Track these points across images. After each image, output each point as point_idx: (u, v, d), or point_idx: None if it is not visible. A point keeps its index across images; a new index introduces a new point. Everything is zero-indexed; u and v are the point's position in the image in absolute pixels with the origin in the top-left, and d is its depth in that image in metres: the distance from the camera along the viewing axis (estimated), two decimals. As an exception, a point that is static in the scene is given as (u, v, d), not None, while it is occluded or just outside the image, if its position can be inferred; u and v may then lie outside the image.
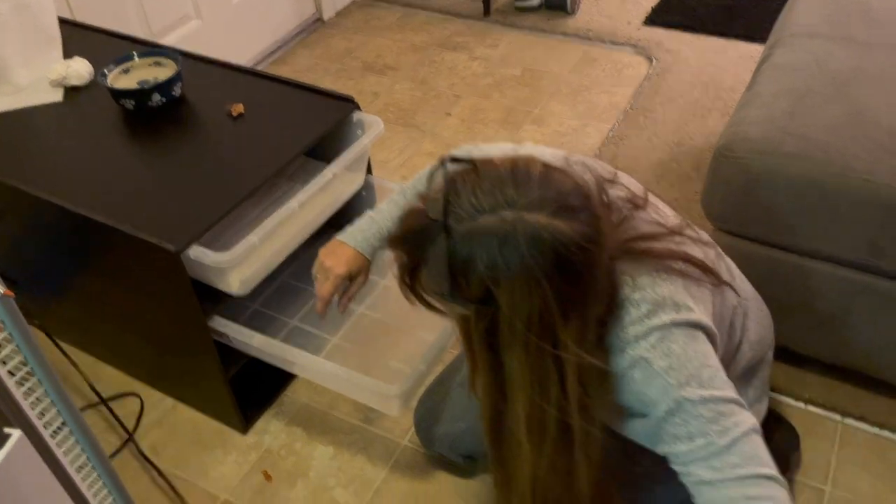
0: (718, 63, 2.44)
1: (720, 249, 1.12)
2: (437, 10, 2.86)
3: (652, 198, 1.02)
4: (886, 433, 1.42)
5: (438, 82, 2.50)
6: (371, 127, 1.47)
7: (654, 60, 2.48)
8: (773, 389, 1.48)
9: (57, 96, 1.56)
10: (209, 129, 1.46)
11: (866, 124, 1.30)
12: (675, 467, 0.88)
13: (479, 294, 0.76)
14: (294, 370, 1.35)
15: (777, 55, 1.54)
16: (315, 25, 2.84)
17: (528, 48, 2.63)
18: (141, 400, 1.59)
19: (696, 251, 0.98)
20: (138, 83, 1.51)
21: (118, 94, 1.49)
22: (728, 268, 1.12)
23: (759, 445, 0.86)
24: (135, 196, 1.32)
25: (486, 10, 2.79)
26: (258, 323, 1.51)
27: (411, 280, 0.83)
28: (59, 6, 1.89)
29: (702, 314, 0.89)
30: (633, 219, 0.94)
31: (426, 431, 1.35)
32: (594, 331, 0.82)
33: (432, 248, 0.77)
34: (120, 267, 1.37)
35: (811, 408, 1.47)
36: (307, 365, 1.29)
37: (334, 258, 1.17)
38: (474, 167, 0.79)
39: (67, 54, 1.65)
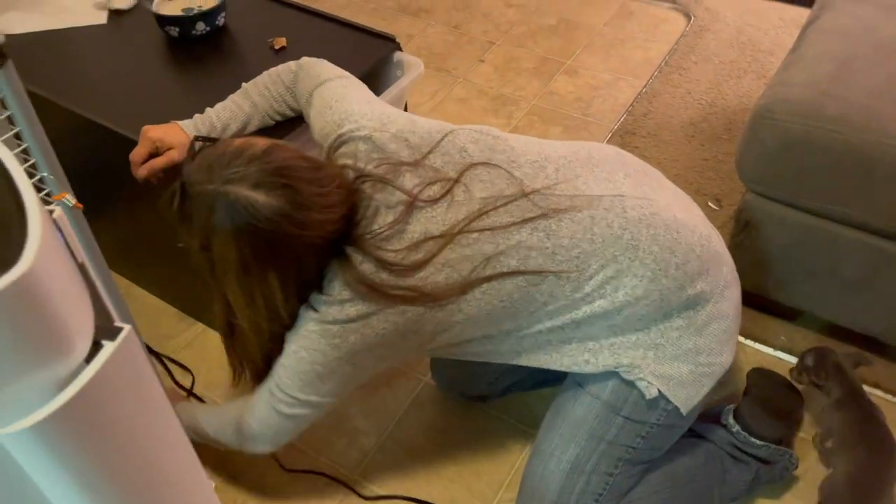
0: (758, 24, 2.41)
1: (606, 202, 1.07)
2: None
3: (481, 172, 1.05)
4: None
5: (472, 27, 2.48)
6: (411, 68, 1.48)
7: (692, 18, 2.45)
8: (790, 352, 1.51)
9: (101, 18, 1.57)
10: (251, 61, 1.47)
11: (909, 93, 1.30)
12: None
13: (200, 241, 0.99)
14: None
15: (824, 18, 1.53)
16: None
17: (564, -2, 2.60)
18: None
19: (466, 252, 1.02)
20: (183, 10, 1.51)
21: (163, 21, 1.50)
22: (574, 232, 1.05)
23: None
24: (170, 118, 1.34)
25: (525, -43, 2.74)
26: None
27: (168, 208, 1.01)
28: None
29: (362, 325, 1.03)
30: (378, 218, 1.03)
31: (441, 375, 1.45)
32: (296, 286, 1.03)
33: (175, 203, 1.00)
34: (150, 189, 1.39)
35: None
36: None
37: (155, 127, 1.26)
38: (213, 145, 1.00)
39: (110, -23, 1.65)
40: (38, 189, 0.70)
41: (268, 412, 1.15)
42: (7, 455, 0.38)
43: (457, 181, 1.04)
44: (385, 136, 1.07)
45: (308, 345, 1.05)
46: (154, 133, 1.23)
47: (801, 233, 1.40)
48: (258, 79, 1.28)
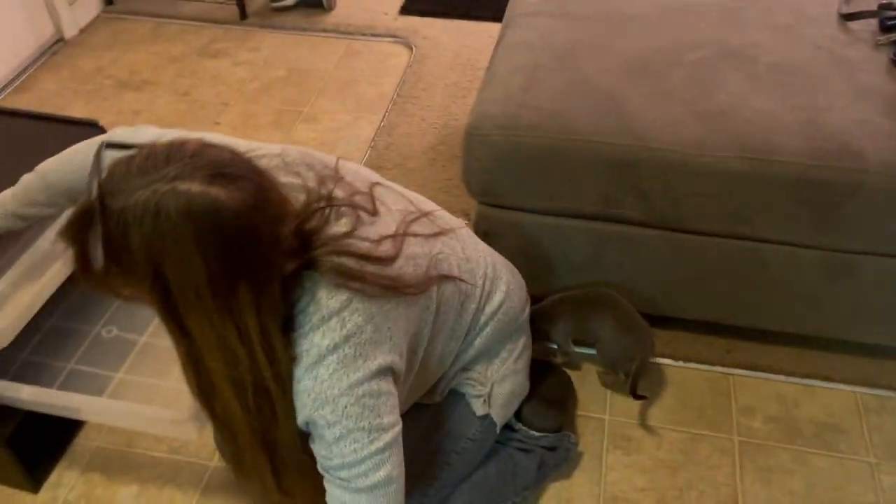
0: (472, 45, 2.58)
1: (464, 235, 1.19)
2: (191, 18, 2.77)
3: (380, 192, 1.06)
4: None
5: (203, 92, 2.43)
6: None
7: (413, 48, 2.58)
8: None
9: None
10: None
11: (587, 91, 1.45)
12: None
13: (146, 270, 0.76)
14: (78, 416, 1.27)
15: (509, 35, 1.67)
16: (57, 46, 2.64)
17: (290, 48, 2.62)
18: None
19: (417, 249, 1.03)
20: None
21: None
22: (465, 250, 1.16)
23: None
24: None
25: (243, 14, 2.74)
26: (30, 373, 1.40)
27: (86, 269, 0.80)
28: None
29: (374, 331, 0.92)
30: (334, 222, 0.94)
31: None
32: (271, 304, 0.84)
33: (94, 231, 0.76)
34: None
35: (585, 349, 1.62)
36: (89, 408, 1.23)
37: None
38: (133, 150, 0.80)
39: None
40: None
41: (367, 500, 0.93)
42: None
43: (370, 195, 1.04)
44: (293, 155, 1.01)
45: (328, 375, 0.88)
46: None
47: (530, 232, 1.52)
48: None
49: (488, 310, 1.19)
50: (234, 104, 2.38)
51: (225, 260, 0.77)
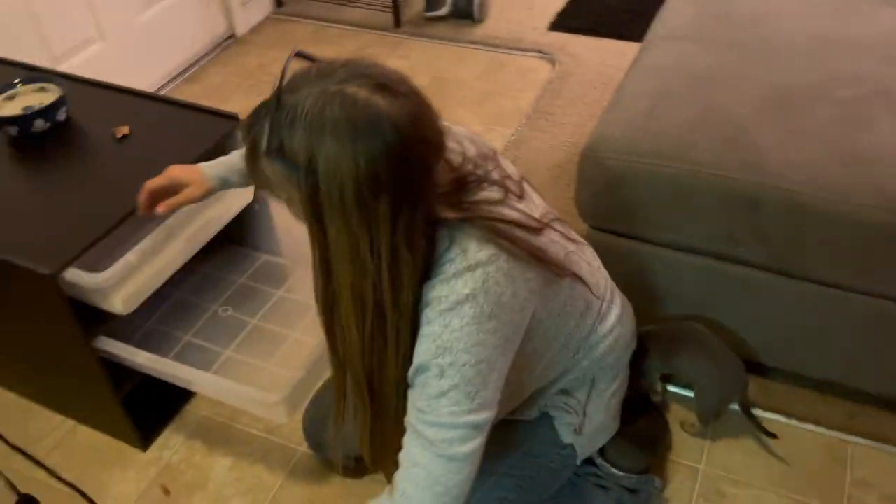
0: (618, 65, 2.52)
1: (589, 252, 1.18)
2: (350, 24, 2.91)
3: (526, 187, 1.06)
4: (757, 412, 1.49)
5: (348, 94, 2.53)
6: None
7: (556, 64, 2.56)
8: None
9: (-59, 125, 1.56)
10: (93, 152, 1.48)
11: (717, 121, 1.38)
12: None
13: (303, 159, 0.80)
14: (183, 384, 1.37)
15: (644, 57, 1.62)
16: (228, 42, 2.86)
17: (437, 57, 2.69)
18: (41, 423, 1.59)
19: (553, 246, 1.02)
20: (23, 109, 1.52)
21: (1, 122, 1.50)
22: (591, 262, 1.16)
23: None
24: (14, 222, 1.34)
25: (397, 22, 2.84)
26: (152, 340, 1.53)
27: (253, 162, 0.86)
28: (-53, 34, 1.89)
29: (512, 296, 0.92)
30: (490, 187, 0.97)
31: (314, 436, 1.39)
32: (408, 229, 0.85)
33: (266, 123, 0.82)
34: (4, 293, 1.38)
35: (686, 391, 1.54)
36: (192, 379, 1.32)
37: (177, 166, 1.24)
38: (314, 62, 0.86)
39: (-47, 83, 1.65)
40: None
41: (440, 469, 0.93)
42: None
43: (520, 182, 1.04)
44: (459, 129, 1.05)
45: (460, 326, 0.88)
46: (174, 171, 1.22)
47: (640, 262, 1.46)
48: None
49: (601, 330, 1.16)
50: (376, 107, 2.46)
51: (374, 165, 0.80)
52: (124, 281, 1.29)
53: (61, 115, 1.54)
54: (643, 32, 1.75)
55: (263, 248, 1.73)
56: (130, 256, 1.27)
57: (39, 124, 1.50)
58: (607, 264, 1.42)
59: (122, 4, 2.39)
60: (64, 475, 1.50)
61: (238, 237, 1.71)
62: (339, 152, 0.79)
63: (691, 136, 1.36)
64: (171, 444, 1.55)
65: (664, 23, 1.72)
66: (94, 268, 1.26)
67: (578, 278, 1.07)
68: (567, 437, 1.21)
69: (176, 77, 2.67)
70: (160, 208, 1.22)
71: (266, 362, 1.49)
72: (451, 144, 0.97)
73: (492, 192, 0.97)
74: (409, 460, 0.96)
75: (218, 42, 2.84)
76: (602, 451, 1.33)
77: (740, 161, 1.30)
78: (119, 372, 1.41)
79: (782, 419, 1.48)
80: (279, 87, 0.82)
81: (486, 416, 0.93)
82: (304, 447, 1.51)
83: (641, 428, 1.39)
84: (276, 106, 0.82)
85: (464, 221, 0.91)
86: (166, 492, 1.46)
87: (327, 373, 1.39)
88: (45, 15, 2.15)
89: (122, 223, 1.32)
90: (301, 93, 0.81)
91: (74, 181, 1.42)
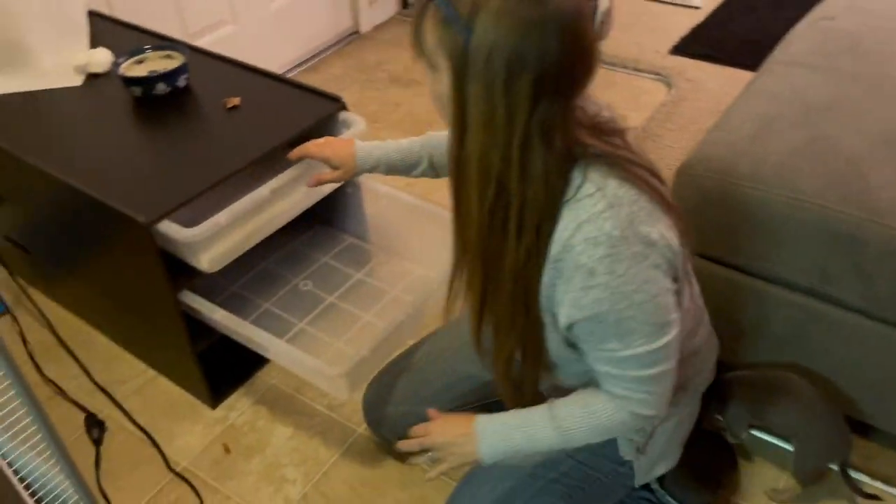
0: (736, 94, 2.42)
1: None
2: (470, 29, 2.94)
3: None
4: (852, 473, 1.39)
5: (458, 97, 2.56)
6: (354, 124, 1.54)
7: (672, 88, 2.49)
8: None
9: (77, 81, 1.70)
10: (205, 119, 1.57)
11: (826, 151, 1.30)
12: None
13: (465, 12, 0.81)
14: (254, 347, 1.42)
15: (758, 81, 1.55)
16: (351, 38, 2.96)
17: (551, 70, 2.67)
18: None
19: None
20: (148, 72, 1.63)
21: (127, 82, 1.61)
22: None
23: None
24: (122, 173, 1.43)
25: (516, 32, 2.85)
26: (233, 303, 1.59)
27: (420, 17, 0.87)
28: (97, 1, 2.05)
29: (660, 237, 0.90)
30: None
31: (372, 413, 1.41)
32: (545, 117, 0.83)
33: None
34: (104, 237, 1.48)
35: (759, 433, 1.45)
36: (263, 343, 1.36)
37: (337, 141, 1.33)
38: None
39: (95, 45, 1.79)
40: None
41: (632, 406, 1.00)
42: None
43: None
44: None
45: (625, 269, 0.88)
46: (331, 150, 1.31)
47: (727, 290, 1.39)
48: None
49: (688, 345, 1.11)
50: (483, 112, 2.48)
51: (528, 38, 0.80)
52: (213, 240, 1.35)
53: (181, 82, 1.64)
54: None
55: (350, 230, 1.78)
56: (221, 217, 1.33)
57: (161, 87, 1.61)
58: (690, 286, 1.37)
59: (257, -9, 2.52)
60: (138, 419, 1.58)
61: (328, 217, 1.76)
62: (500, 15, 0.80)
63: (796, 163, 1.29)
64: (238, 406, 1.60)
65: (786, 48, 1.64)
66: (191, 226, 1.32)
67: (690, 274, 1.04)
68: (628, 453, 1.16)
69: (299, 65, 2.79)
70: (310, 182, 1.34)
71: (336, 339, 1.52)
72: (591, 99, 0.97)
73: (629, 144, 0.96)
74: (594, 407, 1.00)
75: (342, 36, 2.94)
76: (661, 479, 1.27)
77: (846, 195, 1.22)
78: (199, 329, 1.48)
79: (869, 480, 1.37)
80: None
81: (674, 332, 0.95)
82: (362, 428, 1.53)
83: (707, 462, 1.32)
84: None
85: (601, 157, 0.90)
86: (227, 450, 1.52)
87: (391, 354, 1.41)
88: (185, -6, 2.30)
89: (219, 185, 1.39)
90: None
91: (182, 143, 1.50)
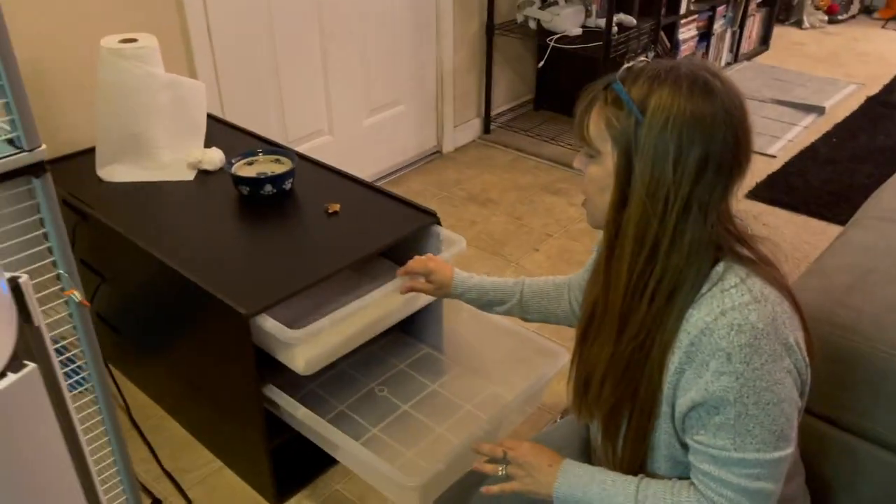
0: (815, 243, 2.44)
1: None
2: (548, 158, 3.06)
3: None
4: None
5: (533, 220, 2.64)
6: (454, 244, 1.59)
7: (749, 231, 2.51)
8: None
9: (190, 176, 1.82)
10: (306, 221, 1.64)
11: (926, 309, 1.29)
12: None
13: (638, 98, 0.90)
14: (327, 448, 1.42)
15: (851, 233, 1.56)
16: (434, 157, 3.10)
17: (626, 203, 2.74)
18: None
19: None
20: (257, 174, 1.73)
21: (237, 181, 1.71)
22: None
23: None
24: (227, 266, 1.50)
25: (593, 164, 2.94)
26: (310, 401, 1.60)
27: (587, 109, 0.95)
28: (213, 104, 2.22)
29: (797, 345, 0.92)
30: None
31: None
32: (706, 192, 0.89)
33: (612, 77, 0.93)
34: (200, 325, 1.53)
35: None
36: (339, 444, 1.36)
37: (440, 261, 1.38)
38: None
39: (208, 144, 1.92)
40: (54, 283, 0.82)
41: None
42: None
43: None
44: None
45: (761, 363, 0.89)
46: (435, 264, 1.37)
47: (818, 444, 1.35)
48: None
49: (783, 491, 1.06)
50: (557, 238, 2.53)
51: (699, 119, 0.88)
52: (313, 343, 1.38)
53: (287, 185, 1.73)
54: (844, 215, 1.70)
55: (428, 341, 1.80)
56: (324, 321, 1.37)
57: (268, 189, 1.70)
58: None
59: (353, 108, 2.69)
60: (200, 509, 1.57)
61: (406, 326, 1.79)
62: (672, 97, 0.88)
63: (893, 318, 1.28)
64: (300, 507, 1.59)
65: (879, 203, 1.66)
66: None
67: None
68: None
69: (383, 178, 2.92)
70: (403, 289, 1.40)
71: (407, 449, 1.51)
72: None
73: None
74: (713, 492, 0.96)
75: (425, 154, 3.08)
76: None
77: (949, 355, 1.20)
78: (274, 424, 1.49)
79: None
80: (612, 78, 0.93)
81: (789, 451, 0.93)
82: (423, 547, 1.49)
83: None
84: (624, 69, 0.93)
85: (745, 259, 0.94)
86: (285, 553, 1.49)
87: (462, 471, 1.39)
88: (289, 104, 2.47)
89: (317, 285, 1.44)
90: (647, 66, 0.92)
91: (284, 242, 1.57)
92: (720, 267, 0.94)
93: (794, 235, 2.49)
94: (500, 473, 1.13)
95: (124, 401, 1.82)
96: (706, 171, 0.90)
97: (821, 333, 1.29)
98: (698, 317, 0.92)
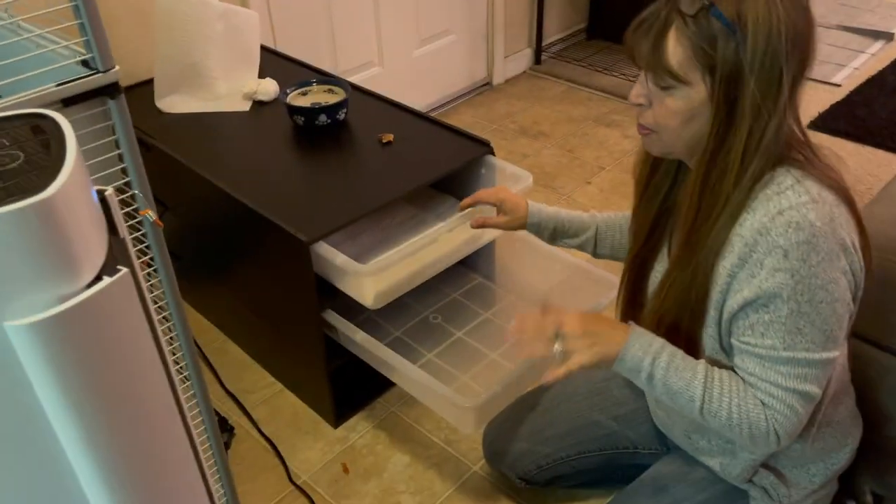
0: (881, 175, 2.36)
1: None
2: (600, 89, 3.00)
3: None
4: None
5: (586, 153, 2.61)
6: (519, 180, 1.57)
7: (809, 162, 2.44)
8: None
9: (245, 107, 1.84)
10: (361, 151, 1.66)
11: None
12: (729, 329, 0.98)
13: (732, 14, 0.86)
14: (385, 371, 1.46)
15: (920, 161, 1.51)
16: (484, 88, 3.06)
17: (681, 134, 2.68)
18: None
19: None
20: (311, 104, 1.74)
21: (292, 111, 1.73)
22: None
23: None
24: (286, 195, 1.53)
25: (648, 95, 2.87)
26: (366, 328, 1.64)
27: (661, 37, 0.91)
28: (265, 36, 2.22)
29: (852, 245, 0.92)
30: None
31: (492, 447, 1.43)
32: (789, 98, 0.89)
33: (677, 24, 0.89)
34: (261, 252, 1.57)
35: None
36: (397, 367, 1.41)
37: (510, 192, 1.33)
38: None
39: (262, 75, 1.93)
40: (128, 204, 0.86)
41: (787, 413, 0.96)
42: (10, 347, 0.49)
43: None
44: None
45: (818, 261, 0.89)
46: (505, 194, 1.32)
47: (873, 369, 1.33)
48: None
49: (833, 414, 1.10)
50: (610, 170, 2.50)
51: (795, 25, 0.87)
52: (380, 277, 1.40)
53: (341, 115, 1.74)
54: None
55: (481, 271, 1.82)
56: (394, 255, 1.38)
57: (322, 119, 1.71)
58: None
59: (403, 39, 2.66)
60: (264, 429, 1.65)
61: (472, 263, 1.81)
62: (767, 7, 0.86)
63: (965, 246, 1.24)
64: (359, 428, 1.65)
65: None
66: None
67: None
68: None
69: (433, 110, 2.90)
70: (475, 223, 1.35)
71: (462, 374, 1.55)
72: None
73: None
74: (767, 397, 0.96)
75: (475, 86, 3.04)
76: None
77: None
78: (332, 348, 1.54)
79: None
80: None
81: (836, 353, 0.94)
82: (477, 465, 1.54)
83: None
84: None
85: (805, 163, 0.93)
86: (346, 470, 1.55)
87: (515, 396, 1.43)
88: (340, 35, 2.45)
89: (376, 217, 1.46)
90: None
91: (339, 172, 1.59)
92: (781, 171, 0.92)
93: (858, 167, 2.41)
94: (555, 352, 1.04)
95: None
96: (803, 74, 0.90)
97: (884, 263, 1.26)
98: (754, 219, 0.92)
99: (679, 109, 0.93)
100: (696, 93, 0.91)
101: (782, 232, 0.89)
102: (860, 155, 2.47)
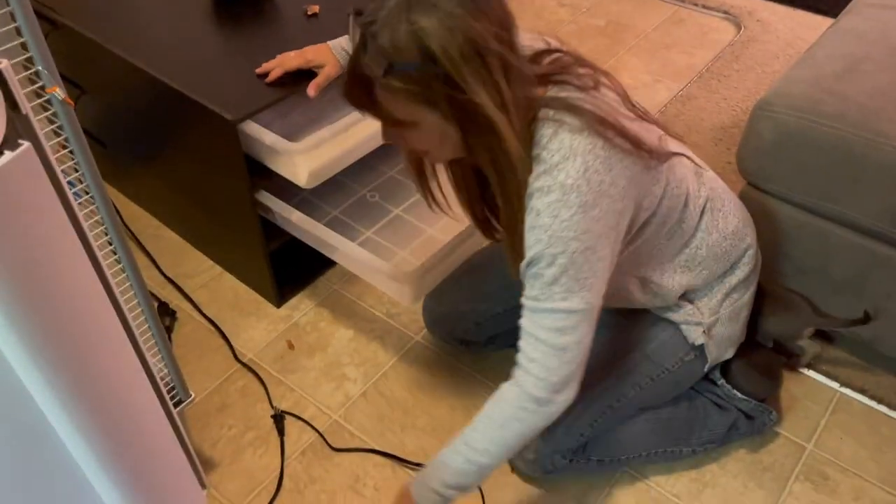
0: (809, 38, 2.38)
1: (691, 157, 1.19)
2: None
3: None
4: (883, 408, 1.43)
5: (521, 23, 2.53)
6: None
7: (742, 28, 2.45)
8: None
9: (159, -22, 1.71)
10: (284, 23, 1.58)
11: (913, 95, 1.29)
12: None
13: (415, 54, 0.85)
14: (324, 250, 1.47)
15: (844, 21, 1.53)
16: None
17: (617, 2, 2.63)
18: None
19: (649, 133, 1.03)
20: (229, -26, 1.64)
21: (211, -19, 1.62)
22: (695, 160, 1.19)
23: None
24: (209, 72, 1.46)
25: (584, -40, 2.79)
26: (305, 208, 1.63)
27: (370, 99, 0.91)
28: None
29: (611, 185, 0.95)
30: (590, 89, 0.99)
31: (431, 314, 1.48)
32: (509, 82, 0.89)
33: (365, 49, 0.87)
34: (187, 133, 1.52)
35: (812, 372, 1.49)
36: (336, 245, 1.41)
37: (310, 48, 1.39)
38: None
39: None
40: (33, 82, 0.81)
41: (552, 362, 1.01)
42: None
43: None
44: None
45: (569, 215, 0.93)
46: (309, 53, 1.37)
47: (793, 228, 1.41)
48: None
49: (712, 223, 1.18)
50: (547, 40, 2.46)
51: (468, 32, 0.85)
52: (313, 155, 1.38)
53: (263, -14, 1.65)
54: (842, 8, 1.64)
55: (417, 147, 1.80)
56: (325, 132, 1.35)
57: (243, -11, 1.62)
58: (758, 224, 1.39)
59: None
60: (205, 311, 1.66)
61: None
62: (433, 21, 0.83)
63: (881, 105, 1.28)
64: (301, 307, 1.67)
65: (876, -10, 1.61)
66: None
67: (680, 156, 1.10)
68: (697, 337, 1.23)
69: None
70: (311, 90, 1.36)
71: (401, 249, 1.57)
72: (527, 43, 1.03)
73: (583, 82, 0.99)
74: (524, 357, 1.03)
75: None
76: (725, 373, 1.35)
77: (930, 139, 1.22)
78: (270, 229, 1.53)
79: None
80: (361, 26, 0.87)
81: (594, 301, 0.99)
82: (419, 336, 1.59)
83: (765, 358, 1.40)
84: (368, 37, 0.86)
85: (556, 103, 0.94)
86: (291, 346, 1.59)
87: (453, 266, 1.46)
88: None
89: (302, 90, 1.42)
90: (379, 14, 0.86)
91: (263, 47, 1.52)
92: (538, 127, 0.94)
93: (788, 31, 2.43)
94: None
95: (117, 211, 1.84)
96: (511, 42, 0.90)
97: (804, 124, 1.30)
98: (531, 186, 0.95)
99: (426, 137, 0.96)
100: (431, 121, 0.91)
101: (537, 196, 0.94)
102: (791, 18, 2.48)
